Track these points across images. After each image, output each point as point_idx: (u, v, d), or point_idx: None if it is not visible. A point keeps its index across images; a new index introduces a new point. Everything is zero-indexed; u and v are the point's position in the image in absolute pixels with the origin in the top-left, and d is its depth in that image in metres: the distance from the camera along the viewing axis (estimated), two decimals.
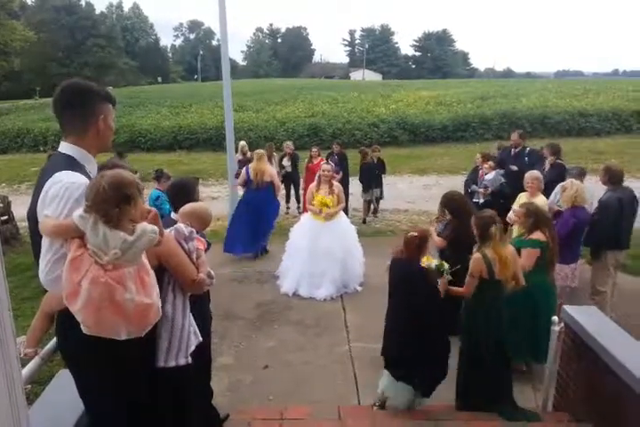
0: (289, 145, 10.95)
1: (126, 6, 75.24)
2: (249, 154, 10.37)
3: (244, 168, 7.92)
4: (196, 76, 68.99)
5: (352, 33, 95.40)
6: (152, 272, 1.89)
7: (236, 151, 10.37)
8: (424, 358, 3.61)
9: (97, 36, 53.57)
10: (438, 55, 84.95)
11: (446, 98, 26.13)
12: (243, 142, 10.93)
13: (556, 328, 3.76)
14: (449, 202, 5.24)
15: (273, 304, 6.30)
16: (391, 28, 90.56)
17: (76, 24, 52.36)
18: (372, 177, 10.31)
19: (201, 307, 3.14)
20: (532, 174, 5.74)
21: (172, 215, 3.33)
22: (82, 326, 1.74)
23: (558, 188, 5.56)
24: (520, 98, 25.31)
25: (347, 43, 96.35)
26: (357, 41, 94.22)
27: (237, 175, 8.36)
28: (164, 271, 2.12)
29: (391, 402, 3.84)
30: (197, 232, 2.37)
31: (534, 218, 4.36)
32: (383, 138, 19.95)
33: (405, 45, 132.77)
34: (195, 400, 2.44)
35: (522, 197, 5.77)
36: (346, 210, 10.76)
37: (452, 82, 40.41)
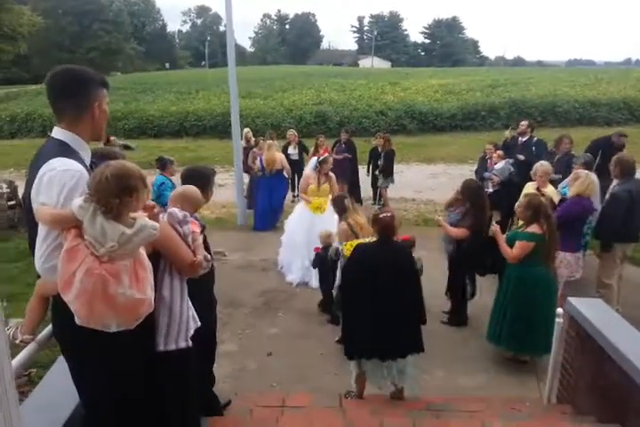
0: (293, 132, 10.84)
1: None
2: (252, 141, 10.31)
3: (259, 158, 9.00)
4: (203, 63, 68.53)
5: (361, 20, 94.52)
6: (149, 265, 1.86)
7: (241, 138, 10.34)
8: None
9: (103, 21, 53.22)
10: (448, 43, 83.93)
11: (455, 86, 25.85)
12: (247, 129, 10.87)
13: (559, 320, 3.74)
14: (469, 189, 5.17)
15: (277, 292, 6.31)
16: (400, 15, 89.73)
17: (83, 9, 52.00)
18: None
19: (205, 293, 3.14)
20: (542, 167, 5.66)
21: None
22: (75, 317, 1.73)
23: (571, 175, 5.47)
24: (530, 87, 25.00)
25: (355, 29, 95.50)
26: (366, 28, 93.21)
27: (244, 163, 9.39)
28: (159, 256, 2.11)
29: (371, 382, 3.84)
30: (191, 215, 2.35)
31: (533, 211, 4.36)
32: (391, 126, 19.79)
33: (415, 32, 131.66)
34: (197, 386, 2.45)
35: (529, 187, 5.71)
36: (359, 198, 10.75)
37: (462, 70, 40.04)
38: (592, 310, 3.61)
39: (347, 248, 4.31)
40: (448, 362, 4.69)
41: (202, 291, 3.05)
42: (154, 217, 1.87)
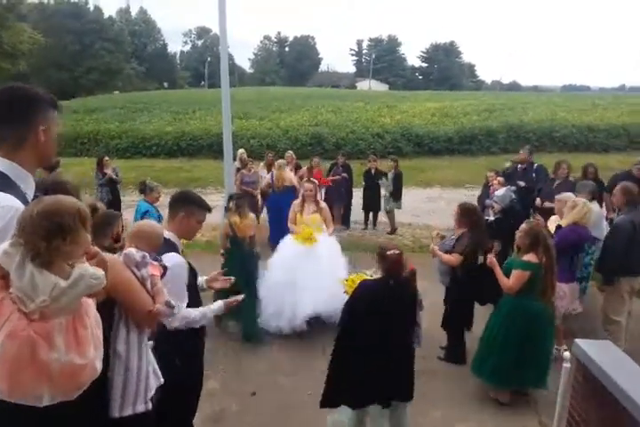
0: (290, 154, 10.66)
1: (134, 11, 75.76)
2: (251, 164, 10.11)
3: (270, 174, 9.40)
4: (202, 83, 69.07)
5: (359, 43, 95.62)
6: (95, 318, 1.56)
7: (235, 159, 10.15)
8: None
9: (105, 40, 53.65)
10: (445, 67, 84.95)
11: (452, 109, 25.90)
12: (241, 150, 10.68)
13: (567, 365, 3.45)
14: (464, 212, 4.96)
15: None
16: (398, 39, 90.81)
17: (84, 28, 52.47)
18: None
19: (192, 342, 2.87)
20: (564, 199, 5.36)
21: (165, 233, 2.88)
22: None
23: (568, 203, 5.26)
24: (527, 111, 25.06)
25: (354, 52, 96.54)
26: (365, 51, 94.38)
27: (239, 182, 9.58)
28: (113, 304, 1.83)
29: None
30: (150, 255, 2.07)
31: (531, 239, 4.19)
32: (387, 149, 19.67)
33: (412, 56, 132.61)
34: None
35: (552, 221, 5.49)
36: (347, 221, 10.57)
37: (458, 93, 40.31)
38: (602, 353, 3.32)
39: (348, 284, 4.01)
40: (445, 402, 4.40)
41: (187, 338, 2.79)
42: (99, 264, 1.57)
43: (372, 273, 3.74)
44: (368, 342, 3.33)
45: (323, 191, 10.11)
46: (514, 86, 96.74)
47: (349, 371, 3.45)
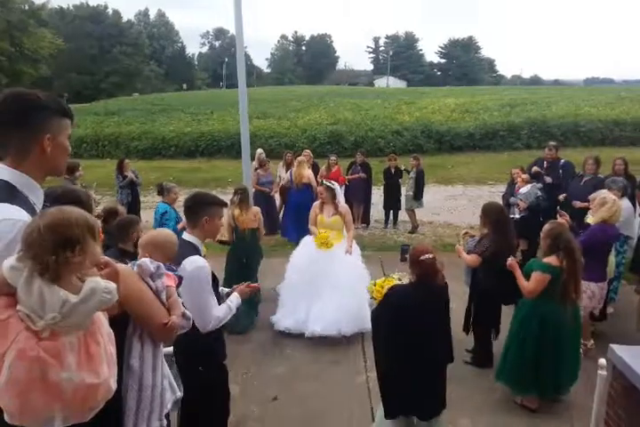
0: (308, 153, 10.53)
1: (152, 14, 76.56)
2: (268, 165, 10.04)
3: (289, 172, 9.52)
4: (221, 84, 69.50)
5: (376, 40, 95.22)
6: (108, 334, 1.47)
7: (253, 159, 10.09)
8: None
9: (124, 44, 54.37)
10: (464, 62, 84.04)
11: (472, 105, 25.49)
12: (260, 150, 10.53)
13: (602, 372, 3.27)
14: (489, 212, 4.80)
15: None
16: (416, 36, 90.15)
17: (103, 32, 53.27)
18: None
19: (214, 344, 2.84)
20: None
21: (185, 235, 2.93)
22: (4, 414, 1.32)
23: (597, 200, 5.08)
24: (550, 106, 24.52)
25: (371, 50, 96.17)
26: (382, 48, 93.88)
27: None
28: (127, 318, 1.74)
29: None
30: (165, 265, 1.97)
31: (552, 240, 4.01)
32: (407, 146, 19.43)
33: (430, 52, 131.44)
34: None
35: (589, 219, 5.29)
36: (367, 220, 10.44)
37: (478, 89, 39.67)
38: None
39: (376, 289, 3.78)
40: (473, 409, 4.23)
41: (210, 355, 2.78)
42: (111, 276, 1.48)
43: (401, 277, 3.58)
44: (397, 354, 3.17)
45: (342, 190, 9.99)
46: (535, 81, 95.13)
47: (383, 382, 3.36)
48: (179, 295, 1.96)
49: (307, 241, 6.04)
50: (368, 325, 5.52)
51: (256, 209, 6.22)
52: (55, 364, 1.30)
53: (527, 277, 4.12)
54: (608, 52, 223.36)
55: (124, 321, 1.72)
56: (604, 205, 4.80)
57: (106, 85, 51.25)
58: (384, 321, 3.31)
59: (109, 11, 58.31)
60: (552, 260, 4.00)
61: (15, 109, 1.56)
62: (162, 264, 1.92)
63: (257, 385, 4.66)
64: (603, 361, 3.28)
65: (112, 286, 1.42)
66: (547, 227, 4.16)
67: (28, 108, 1.58)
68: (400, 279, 3.59)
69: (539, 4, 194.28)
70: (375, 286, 3.84)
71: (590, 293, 4.82)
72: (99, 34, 53.01)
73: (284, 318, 5.67)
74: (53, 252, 1.31)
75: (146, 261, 1.87)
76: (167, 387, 1.88)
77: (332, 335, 5.41)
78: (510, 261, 4.28)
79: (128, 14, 65.27)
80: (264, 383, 4.70)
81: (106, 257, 1.50)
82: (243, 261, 5.91)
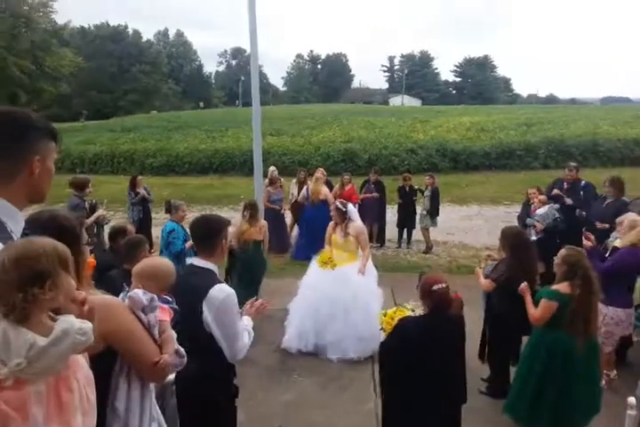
0: (321, 171, 10.42)
1: (171, 34, 78.21)
2: (279, 182, 9.95)
3: (305, 188, 9.54)
4: (237, 102, 70.40)
5: (391, 59, 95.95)
6: (82, 381, 1.29)
7: (265, 176, 10.00)
8: None
9: (143, 63, 55.47)
10: (479, 81, 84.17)
11: (488, 124, 25.28)
12: (272, 168, 10.43)
13: (632, 412, 3.02)
14: (507, 237, 4.60)
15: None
16: (431, 55, 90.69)
17: (123, 51, 54.46)
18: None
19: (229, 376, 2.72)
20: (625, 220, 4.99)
21: (191, 260, 2.82)
22: None
23: (626, 223, 4.87)
24: (568, 125, 24.22)
25: (386, 69, 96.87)
26: (396, 67, 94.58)
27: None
28: (113, 355, 1.57)
29: None
30: (159, 297, 1.81)
31: (568, 267, 3.78)
32: (422, 165, 19.25)
33: (445, 71, 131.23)
34: None
35: (616, 242, 5.07)
36: (382, 240, 10.22)
37: (494, 108, 39.52)
38: None
39: (386, 320, 3.59)
40: None
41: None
42: (88, 313, 1.32)
43: (414, 307, 3.37)
44: (404, 396, 2.96)
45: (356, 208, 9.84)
46: (551, 99, 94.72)
47: (390, 421, 3.14)
48: (174, 329, 1.80)
49: (314, 262, 5.93)
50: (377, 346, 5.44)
51: (263, 222, 6.52)
52: (17, 418, 1.13)
53: (538, 304, 3.90)
54: (624, 71, 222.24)
55: (110, 358, 1.56)
56: (635, 227, 4.61)
57: (124, 103, 52.17)
58: (391, 358, 3.11)
59: (129, 30, 59.74)
60: (562, 287, 3.78)
61: (6, 128, 1.45)
62: (155, 296, 1.77)
63: (263, 413, 4.46)
64: (632, 400, 3.04)
65: (87, 326, 1.25)
66: (563, 252, 3.92)
67: (18, 129, 1.47)
68: (413, 310, 3.38)
69: (555, 22, 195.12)
70: (385, 316, 3.63)
71: (618, 319, 4.60)
72: (119, 53, 54.20)
73: (293, 339, 5.54)
74: (20, 289, 1.16)
75: (138, 293, 1.72)
76: None
77: (345, 359, 5.27)
78: (522, 286, 4.06)
79: (148, 34, 66.91)
80: (270, 411, 4.49)
81: (82, 292, 1.34)
82: (243, 273, 6.20)
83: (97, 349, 1.40)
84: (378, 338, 5.37)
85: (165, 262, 2.01)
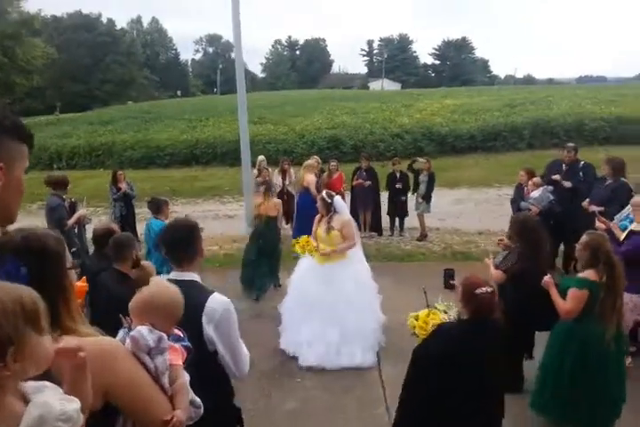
0: (316, 159, 10.02)
1: (145, 21, 76.12)
2: (266, 172, 9.53)
3: (294, 175, 9.72)
4: (215, 90, 69.05)
5: (370, 43, 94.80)
6: None
7: (254, 166, 9.64)
8: None
9: (117, 53, 53.95)
10: (458, 63, 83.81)
11: (472, 106, 25.06)
12: (261, 157, 9.97)
13: None
14: (517, 225, 4.38)
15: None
16: (410, 38, 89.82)
17: (96, 40, 52.86)
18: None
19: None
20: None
21: (181, 275, 2.35)
22: None
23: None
24: (551, 105, 24.11)
25: (365, 53, 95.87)
26: (376, 51, 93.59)
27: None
28: (114, 413, 1.27)
29: None
30: (169, 336, 1.47)
31: (590, 253, 3.57)
32: (408, 149, 18.98)
33: (424, 54, 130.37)
34: None
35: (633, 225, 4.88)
36: (379, 229, 9.93)
37: (474, 89, 39.24)
38: None
39: (419, 325, 3.22)
40: None
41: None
42: (78, 369, 1.00)
43: (447, 308, 3.07)
44: (439, 409, 2.68)
45: (348, 198, 9.54)
46: (529, 80, 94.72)
47: None
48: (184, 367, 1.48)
49: (303, 260, 5.57)
50: (381, 342, 5.20)
51: (277, 201, 6.99)
52: None
53: (563, 295, 3.68)
54: (600, 51, 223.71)
55: (112, 414, 1.25)
56: None
57: (100, 94, 50.80)
58: (425, 366, 2.80)
59: (103, 19, 57.94)
60: (589, 274, 3.59)
61: None
62: (164, 335, 1.44)
63: (265, 423, 4.20)
64: None
65: (72, 407, 0.93)
66: (584, 238, 3.72)
67: None
68: (446, 311, 3.09)
69: (532, 2, 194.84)
70: (417, 320, 3.25)
71: (632, 305, 4.48)
72: (92, 42, 52.58)
73: (292, 346, 5.25)
74: None
75: (142, 333, 1.39)
76: None
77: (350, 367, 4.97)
78: (547, 279, 3.82)
79: (121, 22, 64.92)
80: (272, 420, 4.24)
81: (62, 344, 1.02)
82: (260, 245, 6.71)
83: (94, 407, 1.10)
84: (379, 335, 5.20)
85: (173, 290, 1.63)
